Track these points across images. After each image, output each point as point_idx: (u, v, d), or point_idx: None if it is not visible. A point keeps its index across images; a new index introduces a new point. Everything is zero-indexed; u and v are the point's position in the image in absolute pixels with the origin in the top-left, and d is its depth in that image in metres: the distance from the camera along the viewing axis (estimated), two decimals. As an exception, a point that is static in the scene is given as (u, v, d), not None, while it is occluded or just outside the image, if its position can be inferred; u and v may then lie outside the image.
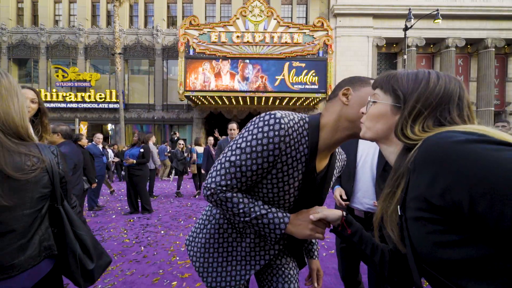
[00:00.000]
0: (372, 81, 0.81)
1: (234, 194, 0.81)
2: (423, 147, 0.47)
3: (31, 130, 0.85)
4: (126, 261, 2.93)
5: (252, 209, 0.81)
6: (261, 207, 0.82)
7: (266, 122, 0.77)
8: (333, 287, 2.39)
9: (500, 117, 16.33)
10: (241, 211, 0.81)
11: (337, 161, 0.99)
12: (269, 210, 0.82)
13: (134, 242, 3.57)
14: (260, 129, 0.77)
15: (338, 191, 1.69)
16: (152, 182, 6.80)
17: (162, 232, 4.02)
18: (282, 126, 0.76)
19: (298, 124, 0.80)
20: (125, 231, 4.04)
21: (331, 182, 0.97)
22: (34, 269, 0.81)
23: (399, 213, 0.55)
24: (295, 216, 0.85)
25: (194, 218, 4.82)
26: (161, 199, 6.68)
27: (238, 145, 0.79)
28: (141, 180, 5.19)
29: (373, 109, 0.65)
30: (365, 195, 1.57)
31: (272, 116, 0.77)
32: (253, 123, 0.80)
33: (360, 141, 1.65)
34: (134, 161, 5.11)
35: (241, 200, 0.81)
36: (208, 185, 0.81)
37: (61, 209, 0.90)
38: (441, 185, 0.42)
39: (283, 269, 1.02)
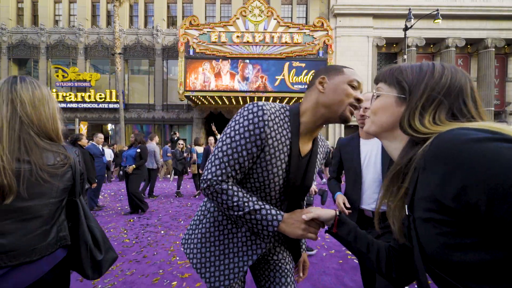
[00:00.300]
0: (345, 69, 0.88)
1: (230, 187, 0.84)
2: (434, 144, 0.44)
3: (60, 133, 0.98)
4: (126, 261, 2.93)
5: (246, 204, 0.83)
6: (255, 202, 0.85)
7: (250, 110, 0.84)
8: (333, 287, 2.39)
9: (500, 117, 16.33)
10: (235, 204, 0.83)
11: (319, 146, 1.06)
12: (262, 207, 0.85)
13: (134, 242, 3.57)
14: (245, 117, 0.84)
15: (341, 199, 1.68)
16: (153, 182, 6.80)
17: (162, 232, 4.01)
18: (265, 112, 0.83)
19: (280, 111, 0.89)
20: (125, 231, 4.04)
21: (316, 166, 1.03)
22: (50, 256, 0.91)
23: (407, 213, 0.53)
24: (289, 215, 0.87)
25: (194, 218, 4.82)
26: (161, 199, 6.67)
27: (228, 135, 0.85)
28: (136, 179, 5.18)
29: (377, 102, 0.63)
30: (372, 195, 1.58)
31: (255, 104, 0.85)
32: (239, 113, 0.87)
33: (362, 142, 1.66)
34: (134, 166, 5.15)
35: (235, 193, 0.84)
36: (205, 177, 0.85)
37: (78, 202, 1.02)
38: (455, 186, 0.39)
39: (280, 264, 1.05)
